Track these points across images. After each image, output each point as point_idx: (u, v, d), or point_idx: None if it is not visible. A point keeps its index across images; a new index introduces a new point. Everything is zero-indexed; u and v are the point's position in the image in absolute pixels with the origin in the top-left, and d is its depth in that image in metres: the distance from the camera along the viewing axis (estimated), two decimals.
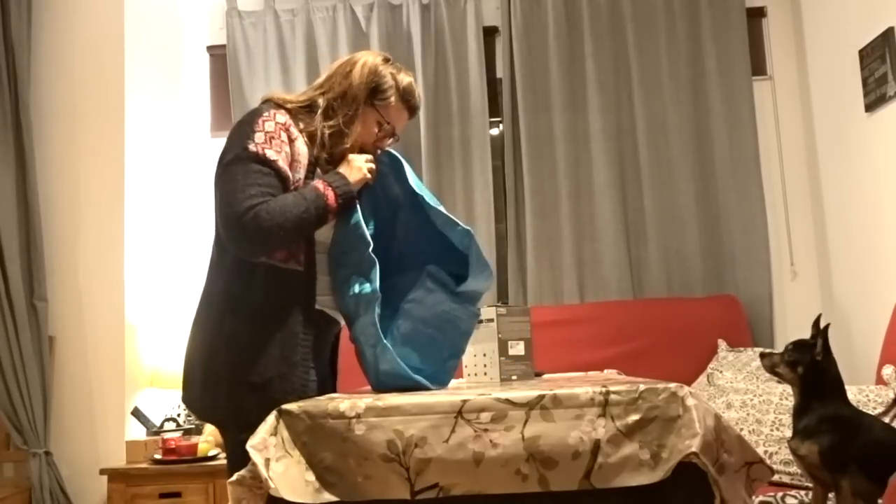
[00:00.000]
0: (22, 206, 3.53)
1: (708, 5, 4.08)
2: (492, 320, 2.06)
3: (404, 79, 1.95)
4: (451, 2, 4.19)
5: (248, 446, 1.33)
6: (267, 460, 1.31)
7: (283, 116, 1.82)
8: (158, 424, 3.56)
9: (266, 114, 1.80)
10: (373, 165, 1.89)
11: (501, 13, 4.20)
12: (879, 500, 2.10)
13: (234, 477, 1.33)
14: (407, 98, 1.95)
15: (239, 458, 1.61)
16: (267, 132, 1.76)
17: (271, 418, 1.37)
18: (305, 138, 1.85)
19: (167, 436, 3.39)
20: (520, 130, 4.09)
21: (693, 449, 1.26)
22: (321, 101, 1.89)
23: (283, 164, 1.76)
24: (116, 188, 3.66)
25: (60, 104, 3.73)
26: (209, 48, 4.39)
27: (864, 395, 2.82)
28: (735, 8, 4.08)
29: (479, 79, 4.13)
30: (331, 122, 1.87)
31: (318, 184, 1.80)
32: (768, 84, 4.16)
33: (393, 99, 1.92)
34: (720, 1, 4.09)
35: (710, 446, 1.29)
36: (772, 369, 2.26)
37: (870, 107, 3.39)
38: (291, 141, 1.81)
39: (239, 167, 1.73)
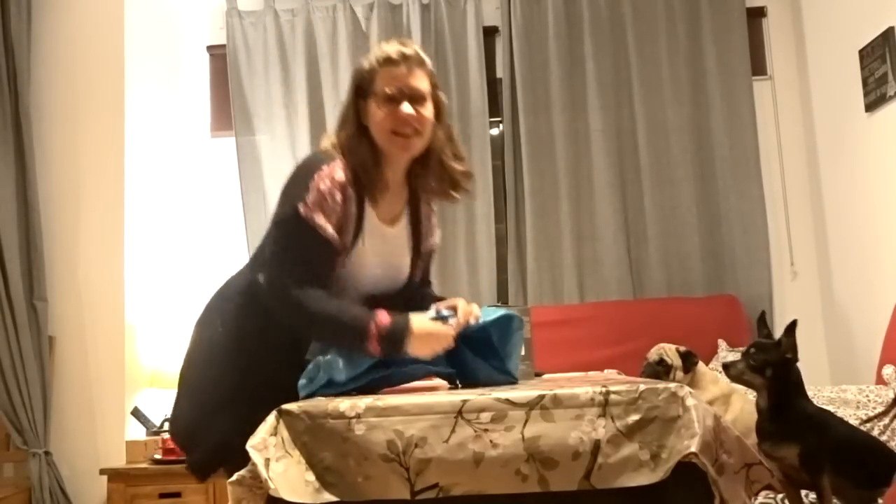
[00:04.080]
0: (22, 206, 3.52)
1: (708, 5, 4.08)
2: None
3: (375, 52, 1.84)
4: (451, 2, 4.19)
5: (248, 446, 1.33)
6: (267, 460, 1.31)
7: (341, 172, 1.74)
8: (158, 424, 3.56)
9: (324, 168, 1.74)
10: (450, 346, 1.72)
11: (501, 13, 4.20)
12: (880, 501, 2.10)
13: (234, 477, 1.33)
14: (385, 57, 1.80)
15: None
16: (320, 190, 1.71)
17: (271, 418, 1.36)
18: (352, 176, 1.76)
19: (167, 436, 3.39)
20: (520, 130, 4.09)
21: (692, 449, 1.26)
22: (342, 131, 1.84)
23: (331, 231, 1.71)
24: (116, 188, 3.65)
25: (60, 104, 3.72)
26: (209, 48, 4.38)
27: (864, 395, 2.81)
28: (735, 8, 4.08)
29: (479, 79, 4.13)
30: (348, 132, 1.80)
31: (373, 342, 1.64)
32: (768, 84, 4.15)
33: (373, 66, 1.81)
34: (720, 1, 4.08)
35: (710, 447, 1.29)
36: (739, 378, 2.13)
37: (870, 107, 3.39)
38: (345, 200, 1.75)
39: (291, 229, 1.71)
